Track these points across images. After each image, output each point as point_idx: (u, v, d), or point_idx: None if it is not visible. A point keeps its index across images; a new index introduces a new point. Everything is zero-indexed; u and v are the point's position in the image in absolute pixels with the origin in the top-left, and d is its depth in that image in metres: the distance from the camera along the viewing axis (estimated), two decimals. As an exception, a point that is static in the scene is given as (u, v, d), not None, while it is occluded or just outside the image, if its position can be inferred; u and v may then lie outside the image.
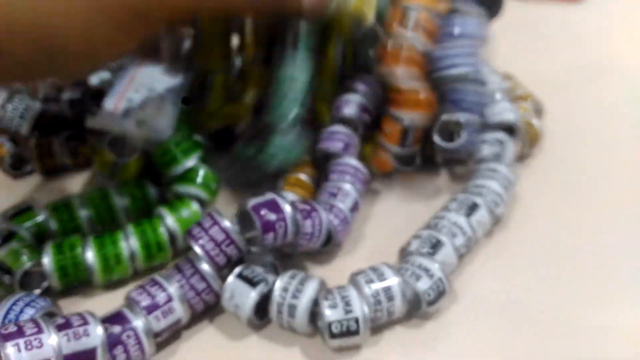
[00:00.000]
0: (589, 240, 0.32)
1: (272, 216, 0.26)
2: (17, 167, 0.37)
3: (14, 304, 0.25)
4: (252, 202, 0.27)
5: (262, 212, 0.26)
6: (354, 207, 0.31)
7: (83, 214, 0.31)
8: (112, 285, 0.30)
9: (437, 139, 0.32)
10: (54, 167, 0.36)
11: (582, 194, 0.34)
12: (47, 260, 0.28)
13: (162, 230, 0.30)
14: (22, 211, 0.31)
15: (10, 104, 0.36)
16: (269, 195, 0.27)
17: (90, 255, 0.28)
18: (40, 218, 0.31)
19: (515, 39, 0.49)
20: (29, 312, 0.25)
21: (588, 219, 0.33)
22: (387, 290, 0.26)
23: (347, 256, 0.31)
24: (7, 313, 0.25)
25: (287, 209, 0.27)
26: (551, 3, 0.54)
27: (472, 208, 0.30)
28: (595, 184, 0.35)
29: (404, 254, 0.29)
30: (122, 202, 0.32)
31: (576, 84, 0.41)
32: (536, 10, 0.54)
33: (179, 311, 0.26)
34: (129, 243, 0.29)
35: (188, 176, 0.32)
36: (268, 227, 0.26)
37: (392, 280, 0.27)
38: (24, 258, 0.28)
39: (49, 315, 0.26)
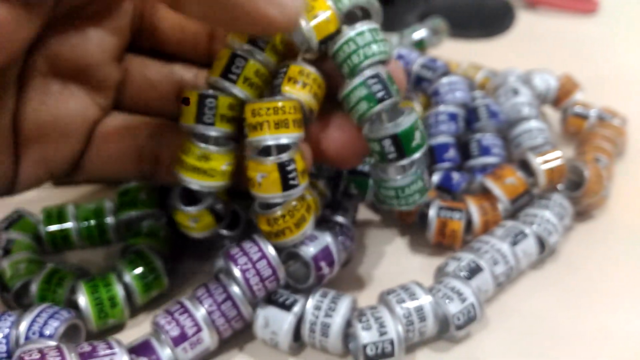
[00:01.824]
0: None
1: (326, 270, 0.26)
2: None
3: (37, 315, 0.24)
4: (312, 251, 0.26)
5: (321, 264, 0.26)
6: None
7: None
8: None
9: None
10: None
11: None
12: (34, 287, 0.27)
13: (154, 258, 0.28)
14: (15, 221, 0.30)
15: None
16: (323, 240, 0.26)
17: (82, 301, 0.26)
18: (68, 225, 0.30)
19: (527, 51, 0.49)
20: (54, 324, 0.24)
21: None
22: (419, 310, 0.26)
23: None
24: (31, 325, 0.24)
25: (337, 258, 0.27)
26: (564, 14, 0.55)
27: (519, 237, 0.30)
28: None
29: (440, 274, 0.28)
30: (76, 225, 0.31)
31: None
32: (549, 21, 0.54)
33: (207, 341, 0.25)
34: (124, 280, 0.27)
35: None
36: (320, 280, 0.26)
37: (424, 300, 0.26)
38: (21, 273, 0.27)
39: (73, 327, 0.25)
